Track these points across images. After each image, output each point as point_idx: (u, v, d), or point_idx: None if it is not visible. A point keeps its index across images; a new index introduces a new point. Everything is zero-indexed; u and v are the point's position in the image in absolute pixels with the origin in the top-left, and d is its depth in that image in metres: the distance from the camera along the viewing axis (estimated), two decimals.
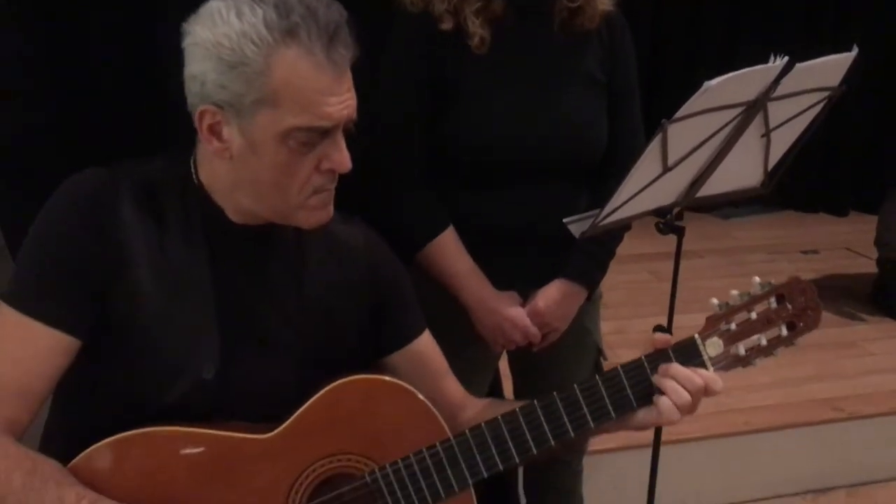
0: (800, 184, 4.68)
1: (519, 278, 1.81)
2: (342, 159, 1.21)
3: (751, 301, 1.36)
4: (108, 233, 1.20)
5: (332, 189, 1.25)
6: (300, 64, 1.14)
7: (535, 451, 1.28)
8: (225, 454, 1.22)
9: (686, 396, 1.27)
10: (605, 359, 1.98)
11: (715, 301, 1.35)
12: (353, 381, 1.27)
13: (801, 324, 1.37)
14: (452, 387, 1.43)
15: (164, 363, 1.22)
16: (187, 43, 1.18)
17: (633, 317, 3.31)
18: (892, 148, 4.81)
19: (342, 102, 1.18)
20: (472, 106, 1.71)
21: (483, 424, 1.28)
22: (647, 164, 1.52)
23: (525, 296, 1.83)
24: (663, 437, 1.88)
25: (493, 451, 1.28)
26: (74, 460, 1.17)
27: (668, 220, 1.73)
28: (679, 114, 1.46)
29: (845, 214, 4.91)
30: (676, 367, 1.28)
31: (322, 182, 1.22)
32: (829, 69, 1.62)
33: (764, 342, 1.35)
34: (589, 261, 1.84)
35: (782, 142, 1.72)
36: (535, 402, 1.29)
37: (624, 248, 1.92)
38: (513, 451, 1.28)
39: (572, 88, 1.77)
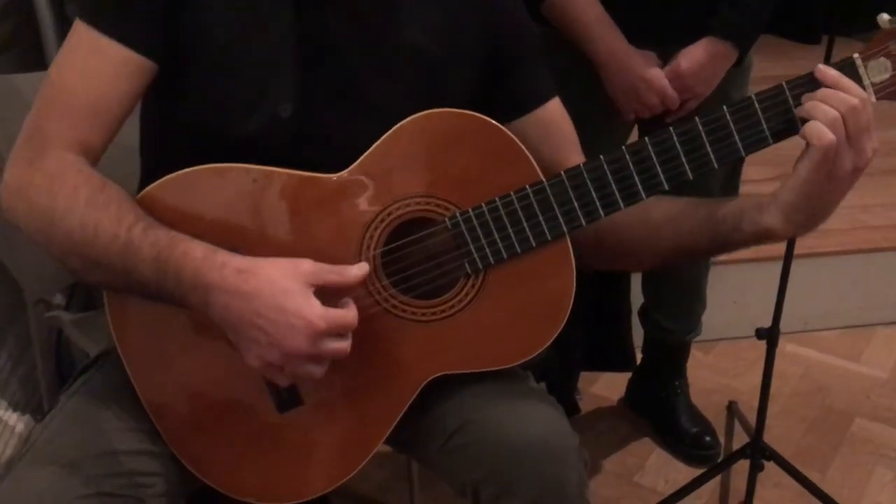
0: None
1: (658, 34, 1.51)
2: None
3: None
4: None
5: None
6: None
7: (643, 194, 1.02)
8: (297, 193, 1.03)
9: (833, 114, 0.95)
10: None
11: (885, 15, 0.99)
12: (438, 113, 1.03)
13: None
14: (578, 161, 1.14)
15: (237, 94, 1.04)
16: None
17: None
18: None
19: None
20: None
21: (581, 165, 1.02)
22: None
23: (665, 57, 1.53)
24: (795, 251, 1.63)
25: (593, 194, 1.02)
26: (143, 191, 1.01)
27: None
28: None
29: None
30: (824, 91, 0.96)
31: None
32: None
33: None
34: (739, 14, 1.50)
35: None
36: (647, 139, 1.01)
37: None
38: (616, 194, 1.02)
39: None
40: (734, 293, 2.33)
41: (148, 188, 1.01)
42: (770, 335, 1.69)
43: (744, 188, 1.82)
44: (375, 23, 1.07)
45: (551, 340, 1.06)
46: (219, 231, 1.00)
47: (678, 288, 1.92)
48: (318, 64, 1.05)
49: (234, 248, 0.96)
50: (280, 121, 1.04)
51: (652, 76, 1.50)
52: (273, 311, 0.92)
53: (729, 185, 1.76)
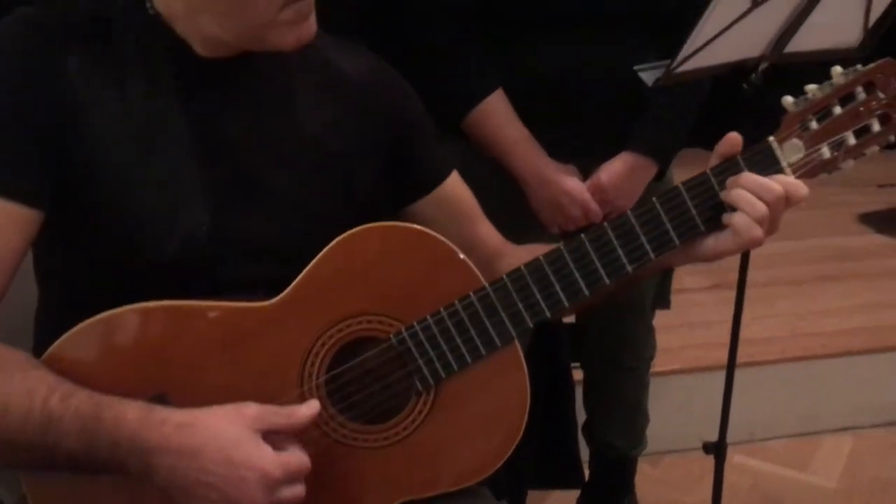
0: None
1: (578, 149, 1.52)
2: None
3: (833, 92, 1.03)
4: (52, 83, 0.94)
5: None
6: None
7: (586, 292, 1.00)
8: (226, 327, 0.97)
9: (762, 207, 0.96)
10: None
11: (790, 98, 1.03)
12: (368, 230, 1.00)
13: None
14: (488, 232, 1.16)
15: (146, 223, 0.96)
16: None
17: None
18: None
19: None
20: None
21: (523, 267, 1.00)
22: None
23: (585, 172, 1.54)
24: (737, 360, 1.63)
25: (538, 295, 1.00)
26: (53, 347, 0.94)
27: (753, 80, 1.42)
28: None
29: None
30: (748, 176, 0.97)
31: None
32: None
33: (853, 140, 1.03)
34: (660, 129, 1.53)
35: None
36: (583, 235, 1.00)
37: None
38: (560, 294, 1.00)
39: None
40: (679, 404, 2.30)
41: (57, 343, 0.93)
42: (717, 449, 1.66)
43: (680, 297, 1.83)
44: (275, 121, 1.03)
45: (511, 451, 1.01)
46: (144, 378, 0.94)
47: (618, 403, 1.89)
48: (223, 171, 1.00)
49: (163, 395, 0.90)
50: (197, 239, 0.98)
51: (574, 190, 1.50)
52: (222, 466, 0.86)
53: (660, 294, 1.76)
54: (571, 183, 1.50)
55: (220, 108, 1.00)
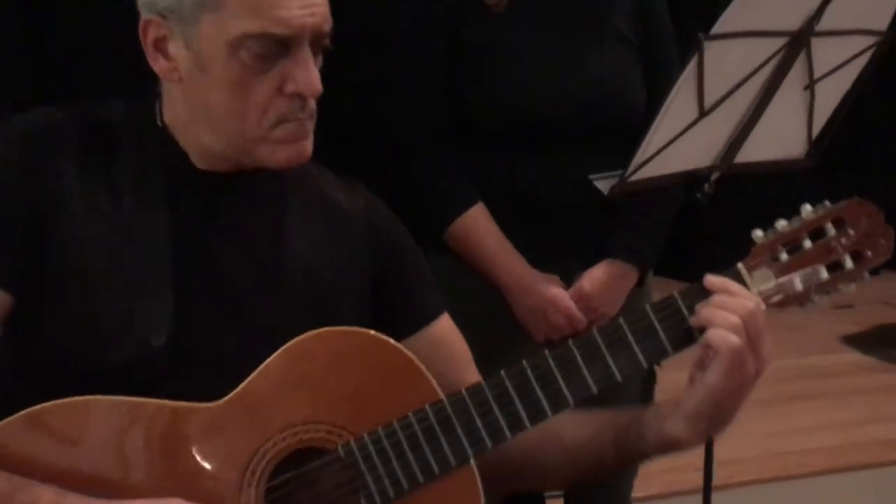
0: None
1: (559, 259, 1.53)
2: (309, 79, 0.94)
3: (802, 227, 1.01)
4: (45, 176, 0.96)
5: (304, 120, 0.97)
6: None
7: (549, 411, 0.95)
8: (167, 425, 0.93)
9: (734, 319, 0.93)
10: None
11: (759, 232, 1.02)
12: (322, 333, 0.96)
13: (870, 252, 1.02)
14: (473, 379, 1.09)
15: (104, 322, 0.95)
16: None
17: None
18: None
19: (305, 7, 0.92)
20: (496, 65, 1.48)
21: (483, 382, 0.96)
22: (681, 98, 1.22)
23: (568, 280, 1.54)
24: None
25: (497, 413, 0.95)
26: None
27: (706, 190, 1.42)
28: (717, 28, 1.17)
29: (877, 272, 4.49)
30: (719, 297, 0.96)
31: (287, 109, 0.95)
32: (876, 5, 1.37)
33: (825, 275, 1.01)
34: (637, 236, 1.54)
35: (827, 102, 1.44)
36: (546, 351, 0.97)
37: None
38: (521, 412, 0.95)
39: (603, 45, 1.52)
40: None
41: None
42: None
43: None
44: (263, 240, 1.02)
45: None
46: (80, 473, 0.89)
47: None
48: (198, 284, 0.98)
49: (99, 493, 0.85)
50: (151, 349, 0.94)
51: (558, 298, 1.50)
52: None
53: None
54: (555, 291, 1.50)
55: (206, 220, 1.00)
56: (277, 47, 0.93)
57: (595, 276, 1.51)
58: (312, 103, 0.97)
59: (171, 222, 0.98)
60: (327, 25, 0.95)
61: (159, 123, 1.01)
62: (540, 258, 1.51)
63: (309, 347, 0.95)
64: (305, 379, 0.95)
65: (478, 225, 1.50)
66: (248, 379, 0.94)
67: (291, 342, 0.95)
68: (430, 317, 1.08)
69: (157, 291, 0.96)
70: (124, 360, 0.93)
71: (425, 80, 1.51)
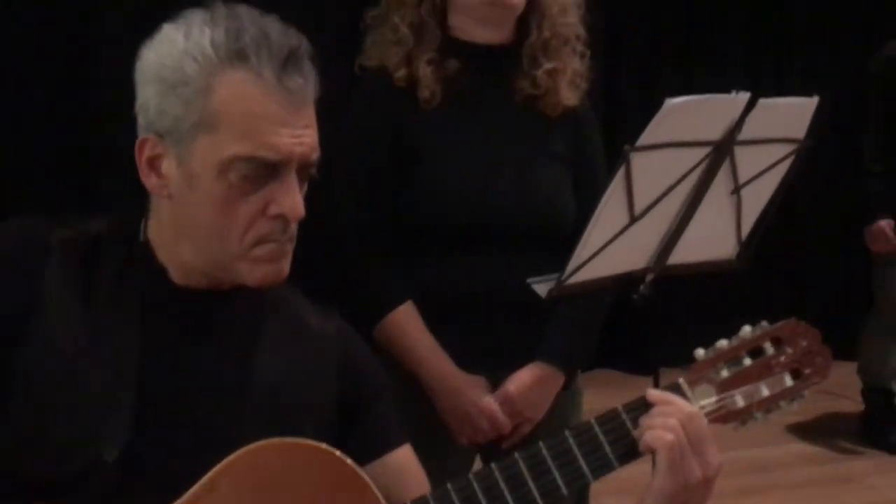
0: None
1: (487, 360, 1.52)
2: (293, 204, 0.98)
3: (741, 345, 1.07)
4: (26, 281, 1.00)
5: (284, 242, 1.00)
6: (246, 86, 0.96)
7: None
8: None
9: (671, 421, 0.98)
10: None
11: (700, 350, 1.07)
12: (269, 445, 0.96)
13: (808, 370, 1.08)
14: None
15: (59, 434, 0.96)
16: (136, 70, 1.01)
17: None
18: (857, 294, 4.57)
19: (295, 136, 0.97)
20: (430, 166, 1.51)
21: (429, 495, 0.98)
22: (612, 204, 1.27)
23: (495, 382, 1.53)
24: None
25: None
26: None
27: (642, 291, 1.46)
28: (642, 140, 1.23)
29: None
30: (659, 407, 1.01)
31: (269, 230, 0.99)
32: (793, 115, 1.44)
33: (765, 392, 1.06)
34: (566, 340, 1.55)
35: (754, 204, 1.51)
36: (493, 465, 0.98)
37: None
38: None
39: (535, 158, 1.57)
40: None
41: None
42: None
43: None
44: (232, 358, 1.03)
45: None
46: None
47: None
48: (160, 401, 0.98)
49: None
50: (103, 463, 0.94)
51: (482, 401, 1.49)
52: None
53: None
54: (479, 395, 1.49)
55: (179, 336, 1.02)
56: (265, 171, 0.97)
57: (521, 380, 1.51)
58: (294, 227, 1.00)
59: (142, 336, 1.00)
60: (315, 155, 1.00)
61: (142, 239, 1.04)
62: (469, 360, 1.51)
63: (257, 458, 0.95)
64: (252, 490, 0.94)
65: (405, 323, 1.50)
66: (193, 488, 0.93)
67: (239, 452, 0.95)
68: (391, 445, 1.10)
69: (115, 406, 0.97)
70: (76, 471, 0.94)
71: (364, 184, 1.53)
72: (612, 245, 1.33)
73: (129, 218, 1.07)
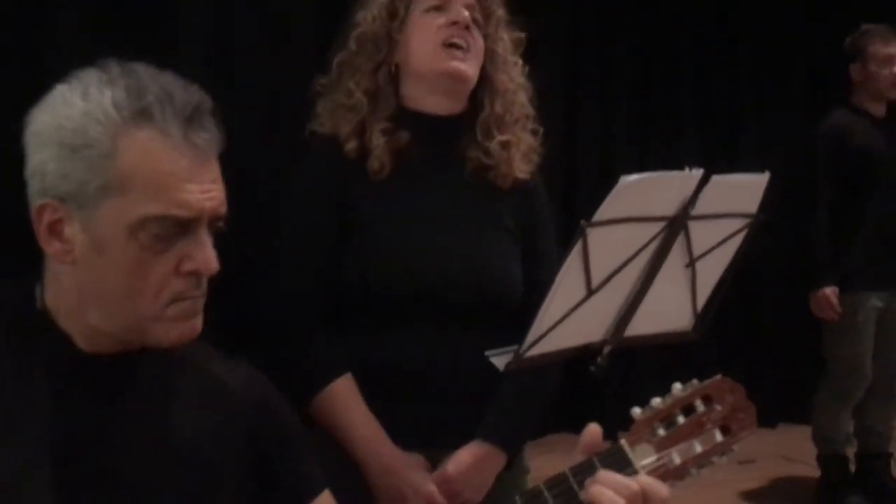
0: None
1: (426, 438, 1.49)
2: (206, 258, 0.98)
3: (675, 403, 1.12)
4: None
5: (198, 298, 1.00)
6: (153, 145, 0.95)
7: None
8: None
9: (621, 501, 1.00)
10: None
11: (637, 409, 1.11)
12: None
13: (734, 426, 1.14)
14: None
15: None
16: (27, 134, 0.98)
17: None
18: (813, 358, 4.63)
19: (204, 192, 0.97)
20: (374, 237, 1.49)
21: None
22: (569, 277, 1.28)
23: (434, 461, 1.50)
24: None
25: None
26: None
27: (600, 362, 1.46)
28: (598, 216, 1.24)
29: (774, 426, 4.61)
30: (605, 473, 1.02)
31: (183, 288, 0.98)
32: (746, 191, 1.47)
33: (699, 449, 1.11)
34: (508, 419, 1.51)
35: (708, 277, 1.53)
36: None
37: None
38: None
39: (484, 229, 1.56)
40: None
41: None
42: None
43: None
44: (147, 421, 1.01)
45: None
46: None
47: None
48: (80, 473, 0.96)
49: None
50: None
51: (418, 482, 1.44)
52: None
53: None
54: (416, 474, 1.44)
55: (92, 403, 0.99)
56: (177, 229, 0.96)
57: (461, 460, 1.46)
58: (205, 282, 0.99)
59: (54, 410, 0.96)
60: (223, 209, 1.00)
61: (39, 306, 1.00)
62: (407, 437, 1.46)
63: None
64: None
65: (342, 398, 1.46)
66: None
67: None
68: (312, 492, 1.10)
69: (32, 486, 0.93)
70: None
71: (306, 254, 1.50)
72: (570, 317, 1.33)
73: (13, 287, 1.03)
